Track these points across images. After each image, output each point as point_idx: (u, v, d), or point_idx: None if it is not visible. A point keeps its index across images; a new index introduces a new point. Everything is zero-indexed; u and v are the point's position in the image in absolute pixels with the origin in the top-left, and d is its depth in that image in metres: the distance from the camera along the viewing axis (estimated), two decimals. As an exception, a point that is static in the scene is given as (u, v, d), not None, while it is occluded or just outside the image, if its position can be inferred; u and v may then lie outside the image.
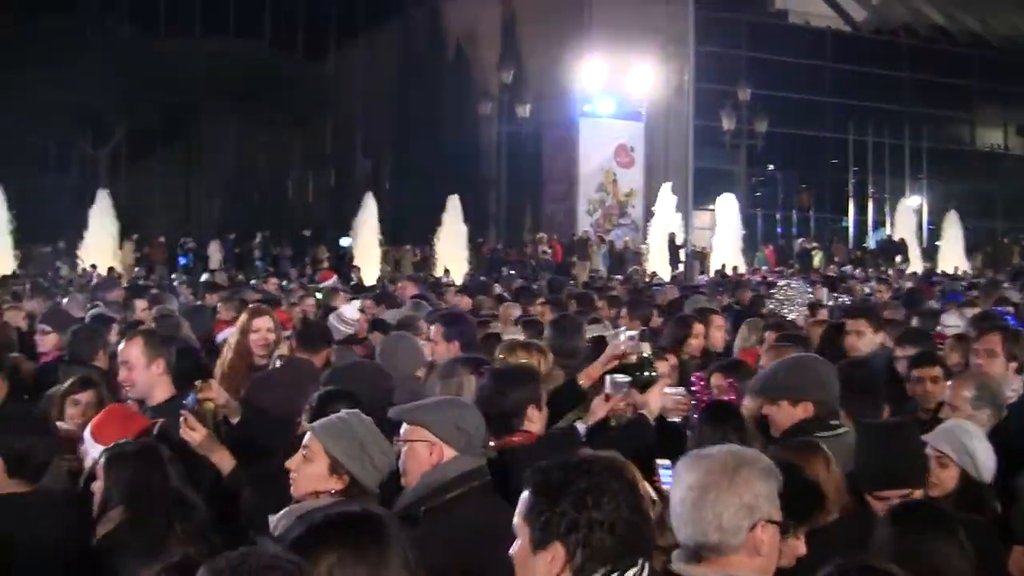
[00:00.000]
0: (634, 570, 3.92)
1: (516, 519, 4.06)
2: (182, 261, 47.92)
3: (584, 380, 7.67)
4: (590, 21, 56.43)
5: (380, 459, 5.60)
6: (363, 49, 64.19)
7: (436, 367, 9.53)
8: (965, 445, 6.34)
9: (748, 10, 64.38)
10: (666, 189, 51.66)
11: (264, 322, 10.40)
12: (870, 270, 44.80)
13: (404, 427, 5.81)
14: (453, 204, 47.57)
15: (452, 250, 46.57)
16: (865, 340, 10.91)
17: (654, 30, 55.88)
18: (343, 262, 45.31)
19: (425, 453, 5.61)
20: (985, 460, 6.36)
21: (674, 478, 4.22)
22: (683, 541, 4.12)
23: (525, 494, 4.05)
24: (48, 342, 11.75)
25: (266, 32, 61.68)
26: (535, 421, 6.69)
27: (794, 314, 15.54)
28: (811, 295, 17.65)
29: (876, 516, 5.41)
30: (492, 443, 6.33)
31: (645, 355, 7.47)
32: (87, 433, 6.95)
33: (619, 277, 37.58)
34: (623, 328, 9.14)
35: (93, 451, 6.70)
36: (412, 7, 64.04)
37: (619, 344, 7.64)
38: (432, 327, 10.51)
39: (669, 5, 57.10)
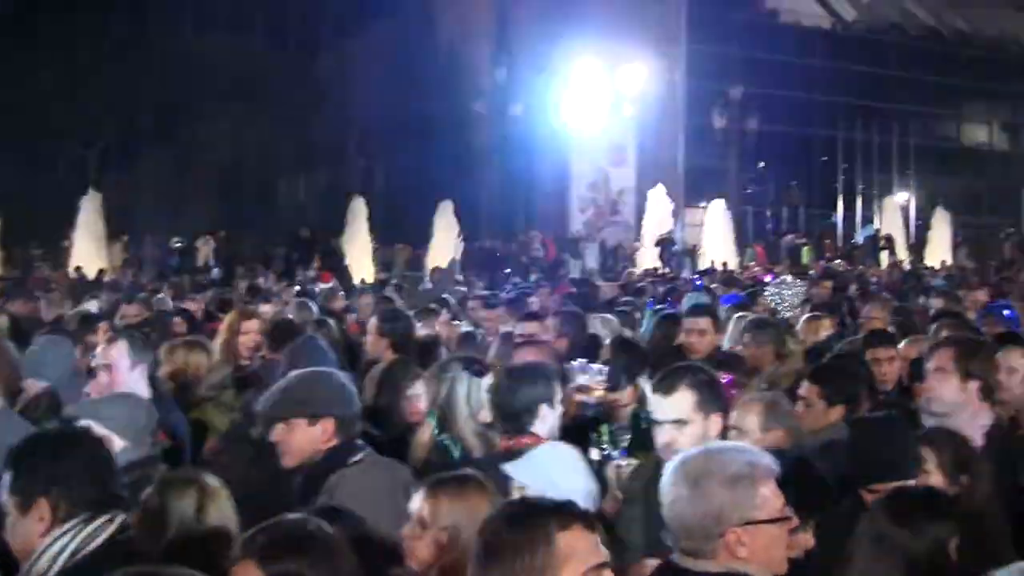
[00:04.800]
0: (110, 517, 4.48)
1: (2, 497, 4.56)
2: (171, 261, 47.64)
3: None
4: (583, 19, 56.36)
5: None
6: (357, 47, 64.11)
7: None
8: (545, 473, 5.73)
9: (740, 9, 64.54)
10: (658, 187, 51.67)
11: (253, 324, 10.53)
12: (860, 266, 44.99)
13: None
14: (445, 203, 47.53)
15: (445, 249, 46.50)
16: (706, 340, 10.72)
17: (646, 28, 55.84)
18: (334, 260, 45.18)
19: None
20: (568, 487, 5.42)
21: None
22: (672, 543, 4.35)
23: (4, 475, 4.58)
24: None
25: (258, 29, 61.50)
26: (547, 422, 6.47)
27: (789, 312, 15.58)
28: (804, 293, 17.64)
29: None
30: (504, 444, 6.39)
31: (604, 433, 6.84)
32: None
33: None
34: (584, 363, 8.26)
35: None
36: (406, 5, 63.86)
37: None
38: (371, 321, 10.74)
39: (661, 4, 57.25)
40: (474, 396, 7.04)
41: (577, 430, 7.06)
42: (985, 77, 73.45)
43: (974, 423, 6.53)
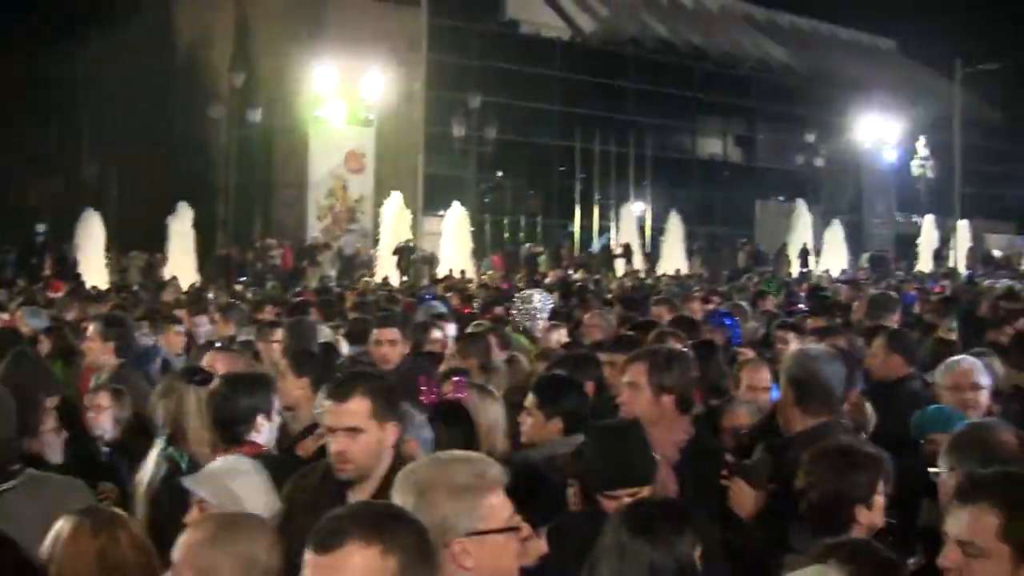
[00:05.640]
0: None
1: None
2: None
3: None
4: (323, 26, 55.99)
5: None
6: (93, 50, 62.81)
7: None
8: (228, 487, 5.54)
9: (480, 19, 64.91)
10: (396, 195, 51.63)
11: None
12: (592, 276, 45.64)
13: None
14: (182, 209, 46.78)
15: (181, 256, 45.81)
16: (397, 351, 10.80)
17: (387, 36, 55.77)
18: (64, 265, 44.13)
19: None
20: (253, 501, 5.48)
21: None
22: None
23: None
24: None
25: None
26: (263, 432, 6.66)
27: (532, 323, 15.65)
28: (551, 304, 17.74)
29: (607, 514, 5.45)
30: (221, 454, 6.32)
31: None
32: None
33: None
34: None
35: None
36: (144, 8, 62.67)
37: None
38: (91, 326, 10.67)
39: (402, 12, 57.29)
40: (205, 407, 6.95)
41: None
42: (719, 91, 75.42)
43: (669, 437, 6.55)
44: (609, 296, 25.72)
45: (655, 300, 17.52)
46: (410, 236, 50.14)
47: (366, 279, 41.66)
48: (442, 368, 10.25)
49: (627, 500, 5.51)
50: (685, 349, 7.96)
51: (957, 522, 4.32)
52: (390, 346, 10.73)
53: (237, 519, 4.63)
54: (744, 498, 6.22)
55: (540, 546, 4.92)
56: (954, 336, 13.76)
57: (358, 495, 5.57)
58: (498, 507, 4.18)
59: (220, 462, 5.96)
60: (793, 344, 11.30)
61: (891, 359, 9.74)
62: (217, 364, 8.60)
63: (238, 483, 5.53)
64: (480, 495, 4.16)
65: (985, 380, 8.14)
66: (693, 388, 6.89)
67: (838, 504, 5.37)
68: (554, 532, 5.11)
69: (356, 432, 5.63)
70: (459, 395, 7.65)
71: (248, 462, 5.86)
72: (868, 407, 8.31)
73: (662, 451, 6.28)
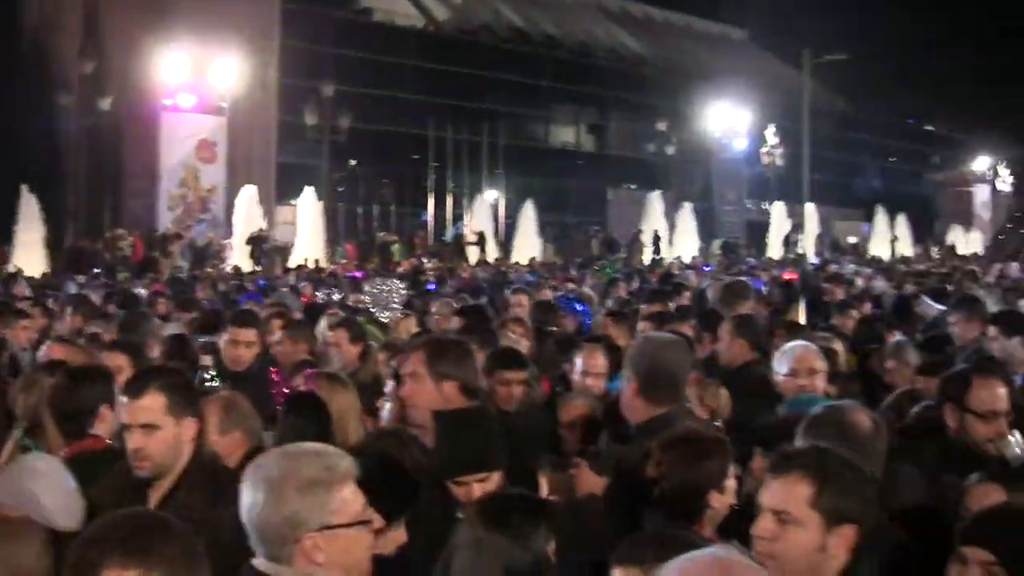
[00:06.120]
0: None
1: None
2: None
3: None
4: (174, 12, 54.98)
5: None
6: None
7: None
8: (26, 488, 5.31)
9: (333, 6, 64.60)
10: (248, 186, 51.23)
11: None
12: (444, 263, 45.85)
13: None
14: (28, 199, 46.06)
15: (28, 247, 45.09)
16: (252, 351, 10.29)
17: (238, 24, 55.07)
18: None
19: None
20: (53, 502, 5.27)
21: None
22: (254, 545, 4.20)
23: None
24: None
25: None
26: (106, 422, 6.54)
27: (387, 314, 15.65)
28: (404, 294, 17.73)
29: (458, 502, 5.51)
30: (66, 449, 6.31)
31: None
32: None
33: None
34: None
35: None
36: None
37: None
38: None
39: (254, -1, 56.72)
40: (47, 401, 6.88)
41: None
42: (572, 80, 75.89)
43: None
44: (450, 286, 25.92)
45: (513, 289, 17.70)
46: (263, 225, 49.78)
47: (208, 270, 41.44)
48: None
49: (476, 487, 5.52)
50: (464, 339, 7.85)
51: (771, 493, 4.51)
52: (247, 348, 10.26)
53: (2, 524, 4.57)
54: (591, 486, 6.28)
55: (399, 536, 4.94)
56: (802, 320, 14.07)
57: (156, 492, 5.55)
58: (350, 500, 4.17)
59: (20, 462, 5.87)
60: (611, 330, 11.45)
61: (737, 344, 9.91)
62: (56, 356, 8.50)
63: (37, 484, 5.37)
64: (331, 489, 4.14)
65: (821, 364, 8.26)
66: (476, 374, 6.86)
67: (692, 492, 5.39)
68: (409, 521, 5.12)
69: (152, 428, 5.59)
70: (310, 386, 7.65)
71: (50, 462, 5.74)
72: (724, 392, 8.42)
73: None
